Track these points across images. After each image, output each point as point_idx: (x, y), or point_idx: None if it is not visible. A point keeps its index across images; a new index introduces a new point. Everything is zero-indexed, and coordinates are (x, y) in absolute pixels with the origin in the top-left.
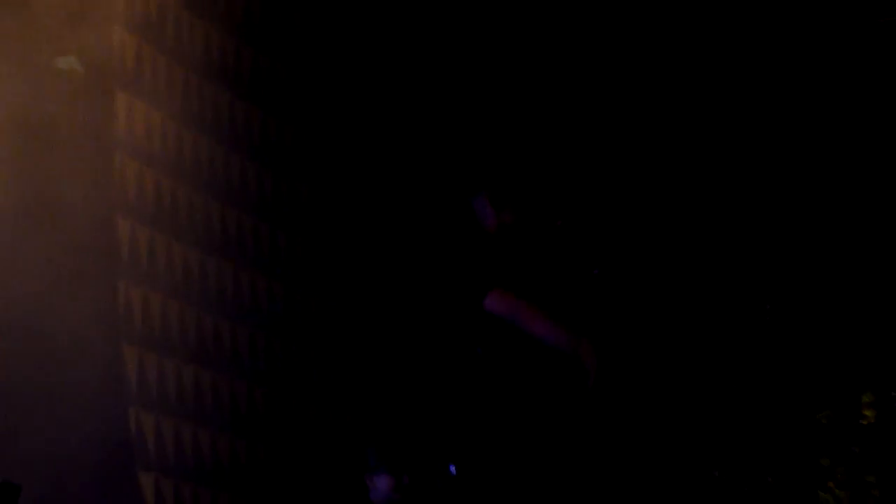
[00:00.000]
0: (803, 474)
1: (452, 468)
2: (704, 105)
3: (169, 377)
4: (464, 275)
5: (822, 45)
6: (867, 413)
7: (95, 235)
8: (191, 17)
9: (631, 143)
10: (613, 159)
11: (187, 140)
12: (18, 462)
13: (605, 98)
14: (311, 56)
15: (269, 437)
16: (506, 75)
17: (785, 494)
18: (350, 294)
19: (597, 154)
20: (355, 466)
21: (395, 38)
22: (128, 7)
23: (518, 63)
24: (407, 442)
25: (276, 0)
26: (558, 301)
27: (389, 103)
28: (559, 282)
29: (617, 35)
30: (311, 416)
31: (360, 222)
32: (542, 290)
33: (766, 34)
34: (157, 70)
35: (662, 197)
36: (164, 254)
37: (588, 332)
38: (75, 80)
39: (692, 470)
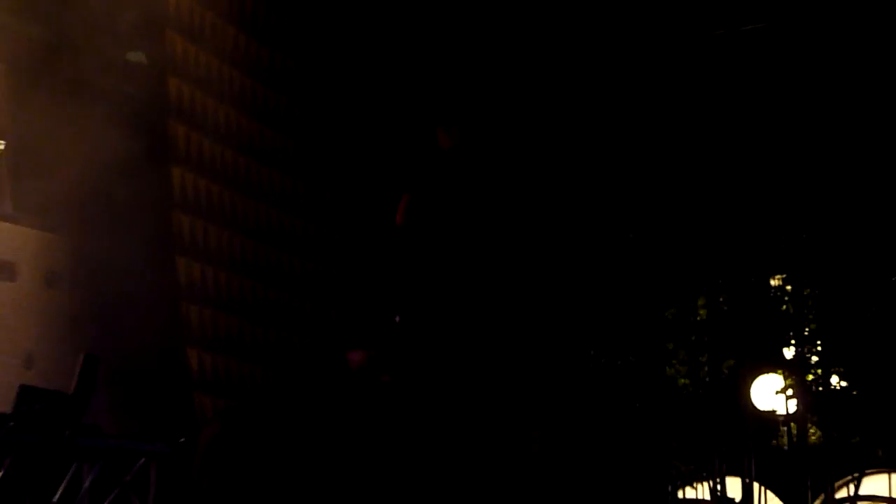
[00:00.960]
0: (655, 355)
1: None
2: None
3: (217, 320)
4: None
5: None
6: (700, 312)
7: (161, 225)
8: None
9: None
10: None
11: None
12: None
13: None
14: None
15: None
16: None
17: (643, 369)
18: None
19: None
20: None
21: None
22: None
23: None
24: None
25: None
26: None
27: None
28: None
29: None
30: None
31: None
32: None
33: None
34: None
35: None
36: (213, 238)
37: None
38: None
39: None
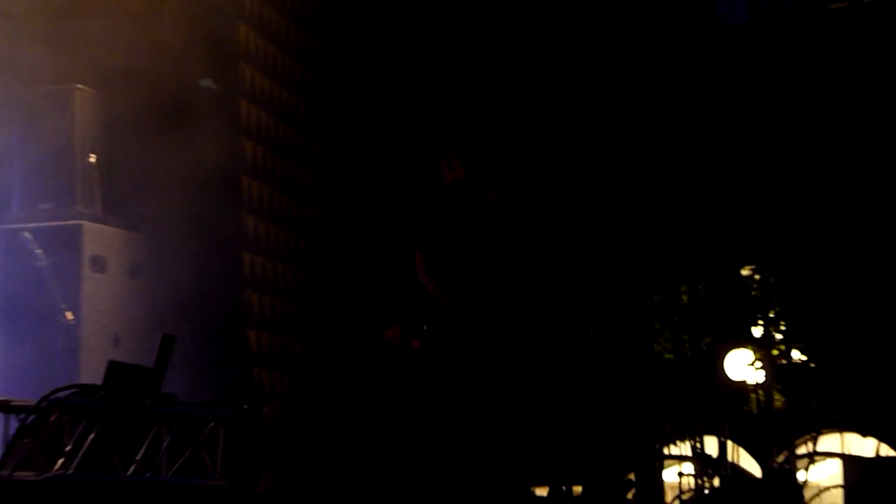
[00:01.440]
0: (645, 334)
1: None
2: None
3: (274, 306)
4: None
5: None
6: (683, 297)
7: (229, 226)
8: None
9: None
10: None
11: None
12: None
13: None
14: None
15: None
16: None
17: (634, 346)
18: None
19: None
20: None
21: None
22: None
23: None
24: None
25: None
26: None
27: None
28: (494, 250)
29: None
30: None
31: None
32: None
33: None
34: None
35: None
36: (273, 236)
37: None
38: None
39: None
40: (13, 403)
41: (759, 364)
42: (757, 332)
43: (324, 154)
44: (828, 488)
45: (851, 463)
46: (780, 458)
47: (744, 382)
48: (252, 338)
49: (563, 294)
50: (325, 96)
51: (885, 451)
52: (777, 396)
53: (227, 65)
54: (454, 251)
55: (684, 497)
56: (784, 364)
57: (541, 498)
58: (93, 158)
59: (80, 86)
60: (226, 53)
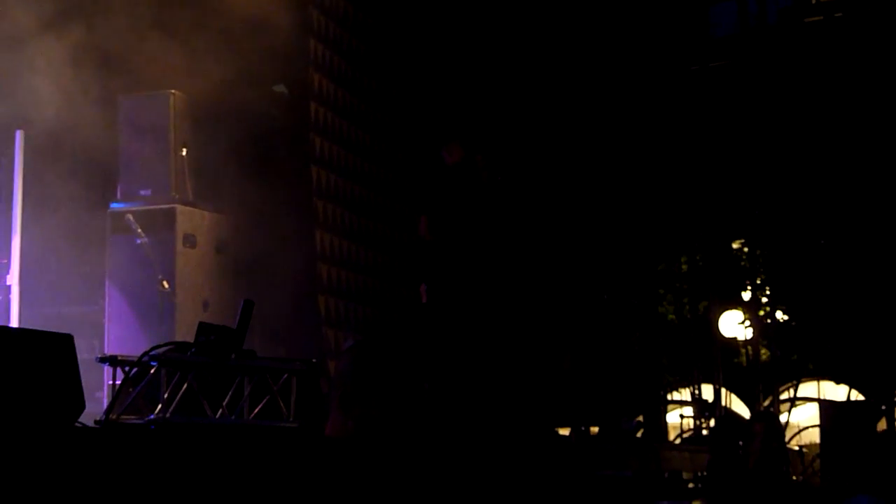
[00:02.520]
0: (651, 298)
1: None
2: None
3: (340, 275)
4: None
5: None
6: (683, 266)
7: (302, 208)
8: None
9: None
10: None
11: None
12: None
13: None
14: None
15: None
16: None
17: (642, 308)
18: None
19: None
20: None
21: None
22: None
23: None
24: None
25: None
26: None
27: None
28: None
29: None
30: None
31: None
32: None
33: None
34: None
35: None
36: (339, 216)
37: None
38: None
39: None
40: (119, 358)
41: (747, 323)
42: (746, 295)
43: (374, 144)
44: (806, 427)
45: (826, 406)
46: (766, 403)
47: (735, 339)
48: (321, 302)
49: (570, 265)
50: (369, 92)
51: (855, 395)
52: (763, 350)
53: (299, 72)
54: (452, 222)
55: (685, 436)
56: (769, 323)
57: (563, 436)
58: (184, 152)
59: (174, 91)
60: (297, 62)
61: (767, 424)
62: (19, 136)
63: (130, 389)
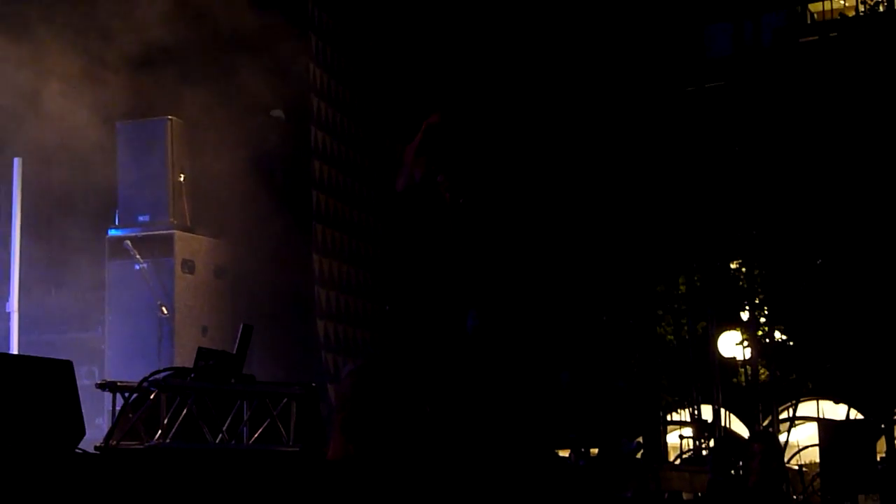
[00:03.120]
0: (649, 319)
1: None
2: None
3: (339, 299)
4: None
5: None
6: (682, 287)
7: (300, 233)
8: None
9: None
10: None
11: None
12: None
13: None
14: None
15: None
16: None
17: (641, 329)
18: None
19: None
20: None
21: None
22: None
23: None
24: None
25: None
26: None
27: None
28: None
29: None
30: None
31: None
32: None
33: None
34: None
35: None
36: (338, 241)
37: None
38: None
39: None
40: (119, 384)
41: (746, 343)
42: (744, 316)
43: (372, 168)
44: (806, 447)
45: (825, 425)
46: (765, 422)
47: (734, 359)
48: (320, 326)
49: (579, 288)
50: (368, 117)
51: (854, 414)
52: (762, 370)
53: (297, 97)
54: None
55: (684, 456)
56: (767, 342)
57: (563, 458)
58: (182, 177)
59: (171, 117)
60: (296, 87)
61: (767, 444)
62: (17, 163)
63: (130, 415)
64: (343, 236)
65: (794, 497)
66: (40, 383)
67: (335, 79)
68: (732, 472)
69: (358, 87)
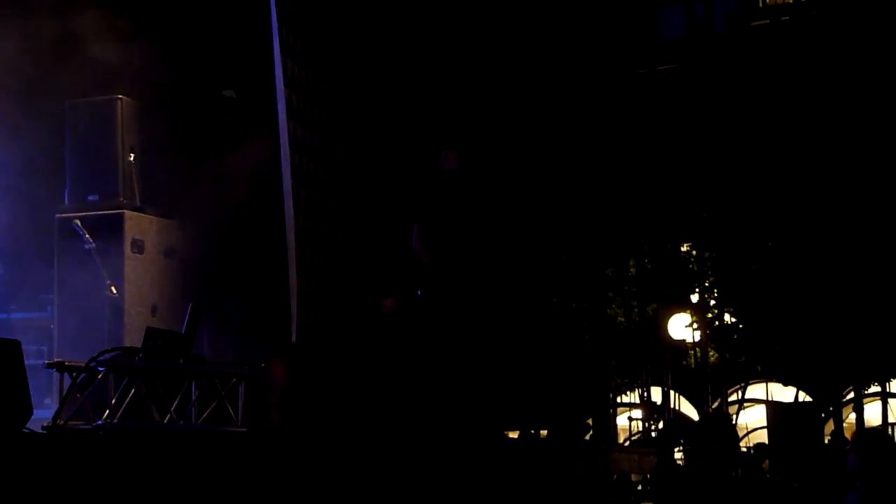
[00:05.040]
0: (600, 301)
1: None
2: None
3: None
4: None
5: None
6: (632, 269)
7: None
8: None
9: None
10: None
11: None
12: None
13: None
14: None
15: None
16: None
17: (591, 311)
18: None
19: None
20: None
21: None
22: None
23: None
24: None
25: None
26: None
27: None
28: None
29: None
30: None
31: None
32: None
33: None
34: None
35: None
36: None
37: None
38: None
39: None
40: (67, 364)
41: (696, 325)
42: (694, 298)
43: (333, 150)
44: (755, 429)
45: (774, 407)
46: (714, 405)
47: (683, 341)
48: (273, 307)
49: (530, 269)
50: (330, 96)
51: (803, 397)
52: (711, 352)
53: (253, 74)
54: (444, 228)
55: (634, 438)
56: (717, 325)
57: (512, 440)
58: (132, 157)
59: (121, 96)
60: (252, 64)
61: (722, 425)
62: None
63: (78, 395)
64: (299, 216)
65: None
66: None
67: (300, 58)
68: (681, 453)
69: (321, 64)
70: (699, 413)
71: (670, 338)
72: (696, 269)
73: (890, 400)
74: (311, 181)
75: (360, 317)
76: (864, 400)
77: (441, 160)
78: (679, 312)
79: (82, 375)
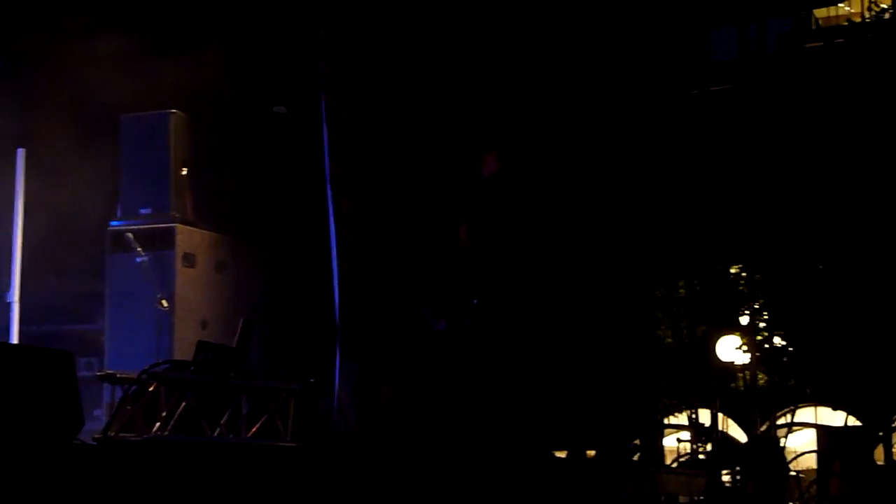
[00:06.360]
0: (649, 322)
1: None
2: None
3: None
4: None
5: None
6: (681, 291)
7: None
8: None
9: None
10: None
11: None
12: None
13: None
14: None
15: None
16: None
17: (640, 332)
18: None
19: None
20: None
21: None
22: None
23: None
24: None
25: None
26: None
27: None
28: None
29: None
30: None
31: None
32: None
33: None
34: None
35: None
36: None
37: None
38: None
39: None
40: (118, 376)
41: (745, 348)
42: (744, 320)
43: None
44: (803, 453)
45: (823, 431)
46: (763, 428)
47: (732, 363)
48: (323, 322)
49: (578, 289)
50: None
51: (852, 421)
52: (760, 375)
53: (305, 92)
54: (487, 227)
55: (682, 460)
56: (766, 347)
57: (560, 459)
58: (185, 171)
59: (174, 111)
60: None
61: (770, 448)
62: (20, 154)
63: (129, 407)
64: (348, 233)
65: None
66: (40, 373)
67: (346, 74)
68: (728, 476)
69: (369, 82)
70: (747, 436)
71: (719, 360)
72: (745, 291)
73: None
74: (352, 192)
75: (409, 332)
76: None
77: (481, 165)
78: (728, 334)
79: (134, 387)
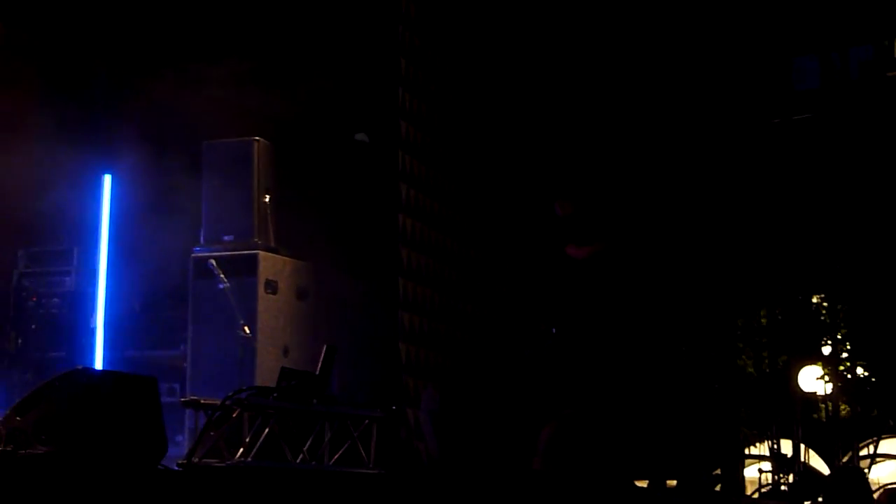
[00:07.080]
0: (729, 352)
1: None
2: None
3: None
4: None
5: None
6: (763, 320)
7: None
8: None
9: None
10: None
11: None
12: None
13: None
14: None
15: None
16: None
17: (720, 363)
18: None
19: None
20: None
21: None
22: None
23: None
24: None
25: None
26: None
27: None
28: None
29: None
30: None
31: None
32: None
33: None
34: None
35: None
36: (423, 264)
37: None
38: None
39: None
40: (202, 402)
41: (827, 378)
42: (826, 350)
43: (460, 192)
44: (888, 485)
45: None
46: (845, 459)
47: (814, 393)
48: (402, 349)
49: (659, 318)
50: (456, 140)
51: None
52: (843, 405)
53: (385, 120)
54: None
55: (763, 490)
56: (849, 378)
57: (641, 489)
58: (267, 198)
59: (258, 138)
60: (383, 109)
61: (856, 480)
62: (106, 181)
63: (212, 433)
64: (429, 260)
65: None
66: (125, 399)
67: (424, 101)
68: None
69: (447, 110)
70: (829, 467)
71: (801, 390)
72: (827, 321)
73: None
74: (422, 215)
75: (488, 357)
76: None
77: (555, 208)
78: (810, 364)
79: (217, 413)
